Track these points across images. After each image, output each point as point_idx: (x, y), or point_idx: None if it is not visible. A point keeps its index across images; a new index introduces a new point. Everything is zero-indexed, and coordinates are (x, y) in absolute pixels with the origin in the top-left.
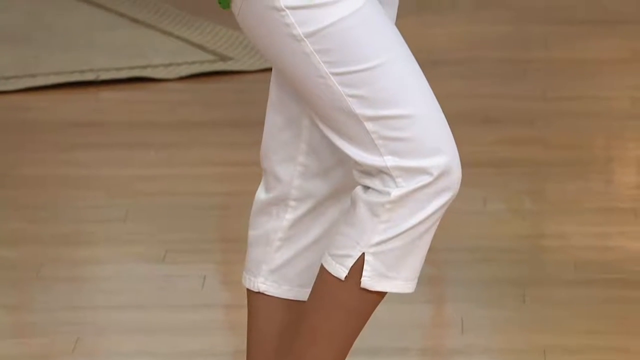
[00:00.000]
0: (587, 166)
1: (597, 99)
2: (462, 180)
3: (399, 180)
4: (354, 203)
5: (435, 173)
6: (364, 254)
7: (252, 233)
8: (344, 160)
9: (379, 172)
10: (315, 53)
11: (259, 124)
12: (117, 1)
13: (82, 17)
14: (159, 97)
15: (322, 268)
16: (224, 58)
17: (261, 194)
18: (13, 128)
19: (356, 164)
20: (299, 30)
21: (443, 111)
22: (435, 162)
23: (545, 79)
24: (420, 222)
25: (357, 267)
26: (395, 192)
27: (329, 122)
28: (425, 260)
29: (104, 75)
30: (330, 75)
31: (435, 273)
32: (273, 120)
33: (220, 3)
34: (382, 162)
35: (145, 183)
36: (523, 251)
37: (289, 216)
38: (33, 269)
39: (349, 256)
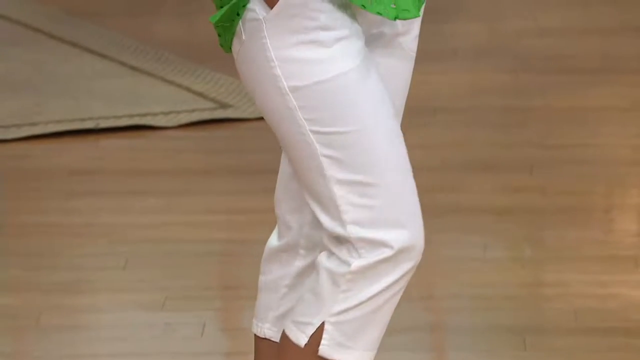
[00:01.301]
0: (587, 214)
1: (597, 147)
2: (462, 227)
3: (361, 251)
4: (317, 270)
5: (396, 247)
6: (324, 322)
7: (262, 278)
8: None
9: (345, 240)
10: (298, 109)
11: (259, 171)
12: (117, 50)
13: (82, 65)
14: (158, 144)
15: (284, 333)
16: (223, 106)
17: (273, 241)
18: (13, 176)
19: (325, 229)
20: (285, 84)
21: (444, 158)
22: (397, 236)
23: (545, 127)
24: (380, 293)
25: (317, 335)
26: (356, 263)
27: (304, 181)
28: (426, 307)
29: (104, 123)
30: (309, 132)
31: (435, 320)
32: (284, 169)
33: (222, 46)
34: (344, 231)
35: (145, 230)
36: (523, 299)
37: (298, 263)
38: (32, 316)
39: (309, 324)
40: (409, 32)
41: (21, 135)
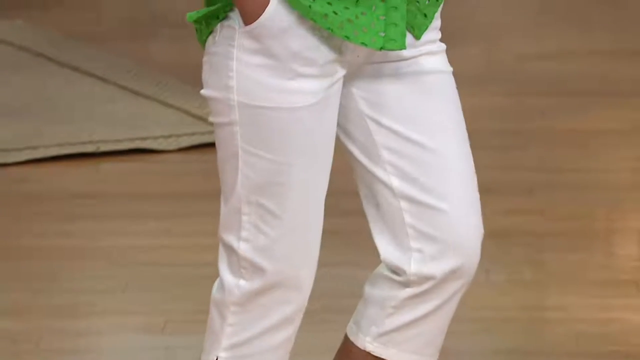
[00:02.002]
0: (587, 237)
1: (597, 171)
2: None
3: (243, 271)
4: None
5: (273, 278)
6: (217, 357)
7: (369, 289)
8: (460, 243)
9: (230, 252)
10: (238, 123)
11: None
12: (118, 74)
13: (83, 89)
14: (159, 168)
15: None
16: None
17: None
18: (13, 200)
19: (220, 233)
20: (235, 97)
21: None
22: (277, 268)
23: (545, 150)
24: (266, 332)
25: None
26: (237, 291)
27: (223, 190)
28: None
29: (104, 146)
30: (240, 147)
31: None
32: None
33: (198, 40)
34: (237, 245)
35: (146, 253)
36: (524, 322)
37: (409, 290)
38: (33, 340)
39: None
40: (423, 57)
41: (22, 159)
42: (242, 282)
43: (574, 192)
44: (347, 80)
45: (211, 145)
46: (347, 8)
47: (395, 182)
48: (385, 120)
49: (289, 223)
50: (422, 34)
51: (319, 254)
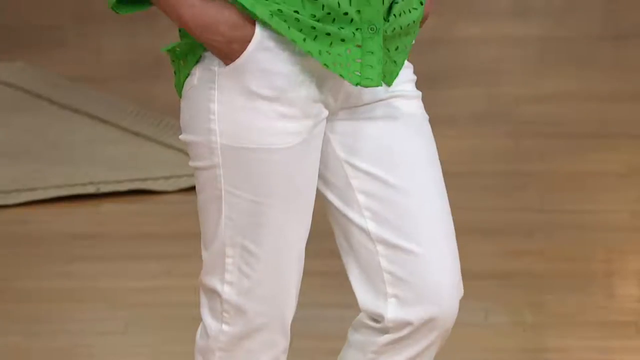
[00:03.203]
0: (587, 279)
1: (596, 212)
2: (464, 291)
3: (225, 315)
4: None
5: (256, 321)
6: None
7: (351, 334)
8: (435, 289)
9: (213, 296)
10: (221, 165)
11: None
12: (118, 115)
13: (83, 131)
14: (159, 209)
15: None
16: None
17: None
18: (13, 241)
19: (202, 278)
20: (218, 139)
21: None
22: (260, 310)
23: (544, 191)
24: None
25: None
26: (222, 337)
27: (203, 234)
28: None
29: (105, 187)
30: (223, 189)
31: None
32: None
33: (176, 87)
34: (220, 288)
35: (146, 295)
36: None
37: (388, 336)
38: None
39: None
40: (403, 94)
41: (21, 201)
42: (224, 326)
43: (574, 233)
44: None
45: None
46: (324, 51)
47: (371, 226)
48: (361, 164)
49: (269, 265)
50: (393, 80)
51: (309, 295)
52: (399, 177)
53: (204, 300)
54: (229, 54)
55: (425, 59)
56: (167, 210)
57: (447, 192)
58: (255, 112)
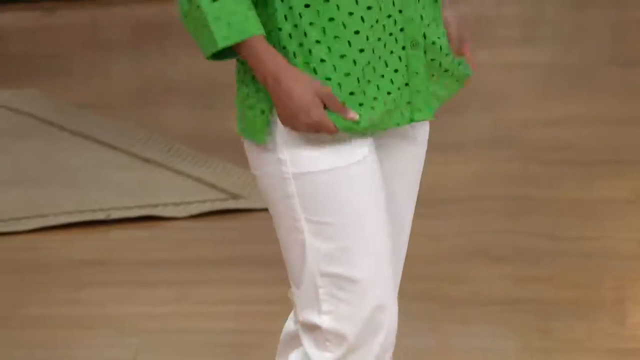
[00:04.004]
0: (595, 306)
1: (603, 239)
2: (470, 317)
3: (328, 344)
4: None
5: (353, 344)
6: None
7: None
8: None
9: (313, 329)
10: (296, 195)
11: (269, 262)
12: (128, 141)
13: (93, 157)
14: (169, 235)
15: None
16: (234, 196)
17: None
18: (23, 268)
19: (299, 316)
20: (288, 169)
21: (451, 248)
22: (361, 329)
23: (551, 218)
24: None
25: None
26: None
27: (290, 267)
28: None
29: (115, 214)
30: (303, 219)
31: None
32: None
33: (242, 131)
34: (318, 320)
35: (155, 321)
36: None
37: None
38: None
39: None
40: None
41: (32, 227)
42: (327, 354)
43: (581, 259)
44: None
45: (221, 212)
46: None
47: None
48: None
49: (365, 283)
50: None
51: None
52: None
53: (304, 333)
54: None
55: None
56: (177, 237)
57: (454, 217)
58: (319, 141)
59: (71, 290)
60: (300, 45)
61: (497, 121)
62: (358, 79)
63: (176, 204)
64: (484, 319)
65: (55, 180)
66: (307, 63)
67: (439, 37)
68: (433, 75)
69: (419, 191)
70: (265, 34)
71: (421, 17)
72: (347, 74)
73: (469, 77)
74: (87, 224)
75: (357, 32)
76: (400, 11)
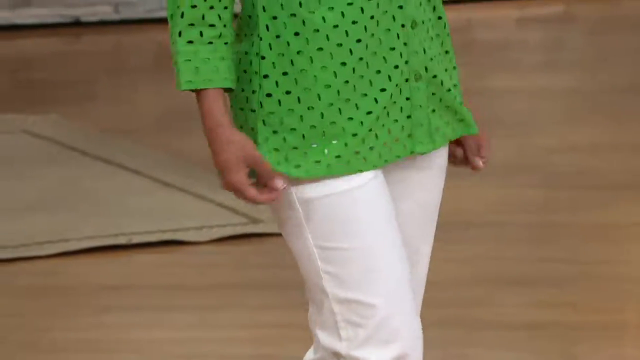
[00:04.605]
0: (620, 330)
1: (627, 263)
2: (495, 342)
3: None
4: None
5: None
6: None
7: None
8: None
9: (337, 356)
10: (305, 221)
11: (290, 286)
12: (150, 166)
13: (116, 182)
14: (190, 259)
15: None
16: (255, 221)
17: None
18: (45, 293)
19: (323, 344)
20: (295, 195)
21: (475, 273)
22: (388, 353)
23: (575, 242)
24: None
25: None
26: None
27: (309, 296)
28: None
29: (136, 238)
30: (313, 246)
31: None
32: None
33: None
34: (340, 347)
35: (178, 346)
36: None
37: None
38: None
39: None
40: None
41: (54, 252)
42: None
43: (605, 284)
44: None
45: (242, 237)
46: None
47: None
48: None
49: (383, 306)
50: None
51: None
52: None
53: (329, 357)
54: None
55: None
56: (198, 261)
57: (478, 241)
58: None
59: (94, 315)
60: (285, 73)
61: (520, 147)
62: (339, 109)
63: (197, 229)
64: (508, 344)
65: (78, 205)
66: (288, 92)
67: (441, 72)
68: (434, 110)
69: (441, 215)
70: (231, 86)
71: (424, 50)
72: (330, 104)
73: (474, 130)
74: (109, 248)
75: (343, 64)
76: (405, 44)
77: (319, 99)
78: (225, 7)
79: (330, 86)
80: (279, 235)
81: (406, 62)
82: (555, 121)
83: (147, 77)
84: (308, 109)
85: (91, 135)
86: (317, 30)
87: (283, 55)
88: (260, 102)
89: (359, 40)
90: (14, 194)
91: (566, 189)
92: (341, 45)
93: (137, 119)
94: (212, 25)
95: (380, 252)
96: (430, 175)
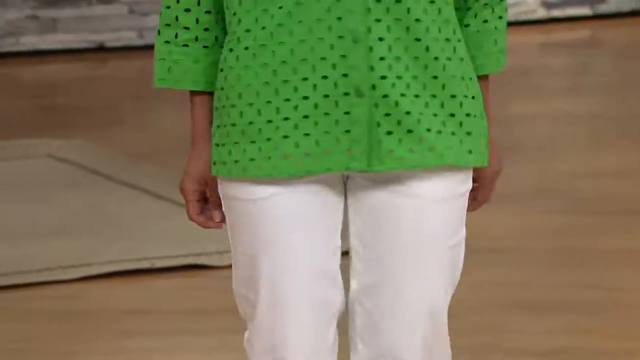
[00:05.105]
0: None
1: None
2: None
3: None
4: None
5: None
6: None
7: None
8: None
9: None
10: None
11: None
12: (173, 190)
13: (140, 207)
14: (212, 283)
15: None
16: None
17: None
18: (67, 317)
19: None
20: (220, 190)
21: (493, 298)
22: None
23: (598, 268)
24: None
25: None
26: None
27: None
28: None
29: (159, 263)
30: (230, 236)
31: None
32: None
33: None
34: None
35: None
36: None
37: None
38: None
39: None
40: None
41: (77, 276)
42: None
43: (630, 311)
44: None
45: None
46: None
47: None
48: (362, 232)
49: (265, 316)
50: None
51: None
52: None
53: None
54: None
55: None
56: (221, 285)
57: (498, 266)
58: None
59: (115, 339)
60: (221, 70)
61: (543, 172)
62: (259, 110)
63: (220, 253)
64: None
65: (102, 230)
66: (222, 88)
67: (396, 93)
68: (391, 132)
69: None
70: (203, 89)
71: (372, 67)
72: (250, 104)
73: (447, 161)
74: (132, 272)
75: (265, 65)
76: (343, 56)
77: (240, 98)
78: (208, 12)
79: (250, 85)
80: None
81: (344, 75)
82: (579, 146)
83: (171, 101)
84: (232, 106)
85: (115, 160)
86: (248, 30)
87: (226, 52)
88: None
89: (281, 43)
90: (39, 218)
91: (590, 214)
92: (264, 46)
93: (160, 144)
94: (186, 28)
95: (266, 270)
96: (417, 205)
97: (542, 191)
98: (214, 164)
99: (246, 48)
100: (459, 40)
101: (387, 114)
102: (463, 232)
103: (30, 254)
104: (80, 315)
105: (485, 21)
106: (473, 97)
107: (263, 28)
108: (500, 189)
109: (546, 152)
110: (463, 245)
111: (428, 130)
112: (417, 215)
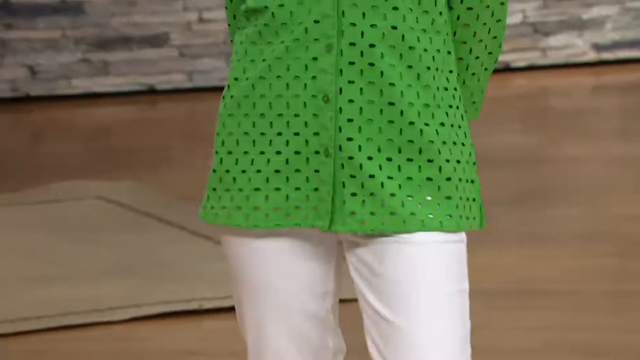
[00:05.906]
0: None
1: None
2: None
3: None
4: None
5: None
6: None
7: None
8: None
9: None
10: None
11: (353, 350)
12: None
13: (189, 248)
14: None
15: None
16: None
17: None
18: (116, 358)
19: None
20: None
21: (547, 342)
22: None
23: None
24: None
25: None
26: None
27: None
28: None
29: (207, 304)
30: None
31: None
32: None
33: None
34: None
35: None
36: None
37: None
38: None
39: None
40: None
41: (126, 317)
42: None
43: None
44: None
45: None
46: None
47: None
48: (362, 288)
49: (253, 354)
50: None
51: None
52: (392, 310)
53: None
54: None
55: (530, 178)
56: None
57: (551, 310)
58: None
59: None
60: (219, 116)
61: (595, 215)
62: (236, 159)
63: None
64: None
65: (151, 271)
66: (218, 133)
67: (363, 156)
68: (355, 194)
69: (515, 283)
70: None
71: (339, 128)
72: (229, 152)
73: (410, 228)
74: (180, 314)
75: (246, 115)
76: (315, 115)
77: (222, 145)
78: None
79: (232, 134)
80: (353, 300)
81: (315, 134)
82: (630, 189)
83: None
84: (216, 152)
85: (165, 201)
86: (236, 79)
87: (223, 98)
88: None
89: (262, 96)
90: (89, 259)
91: None
92: (247, 97)
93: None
94: None
95: (248, 312)
96: (408, 249)
97: (593, 234)
98: (201, 206)
99: (232, 97)
100: (438, 107)
101: (352, 176)
102: (465, 285)
103: (80, 295)
104: (129, 356)
105: (473, 74)
106: (458, 162)
107: (247, 79)
108: (551, 231)
109: (597, 194)
110: (466, 299)
111: (392, 195)
112: (411, 256)
